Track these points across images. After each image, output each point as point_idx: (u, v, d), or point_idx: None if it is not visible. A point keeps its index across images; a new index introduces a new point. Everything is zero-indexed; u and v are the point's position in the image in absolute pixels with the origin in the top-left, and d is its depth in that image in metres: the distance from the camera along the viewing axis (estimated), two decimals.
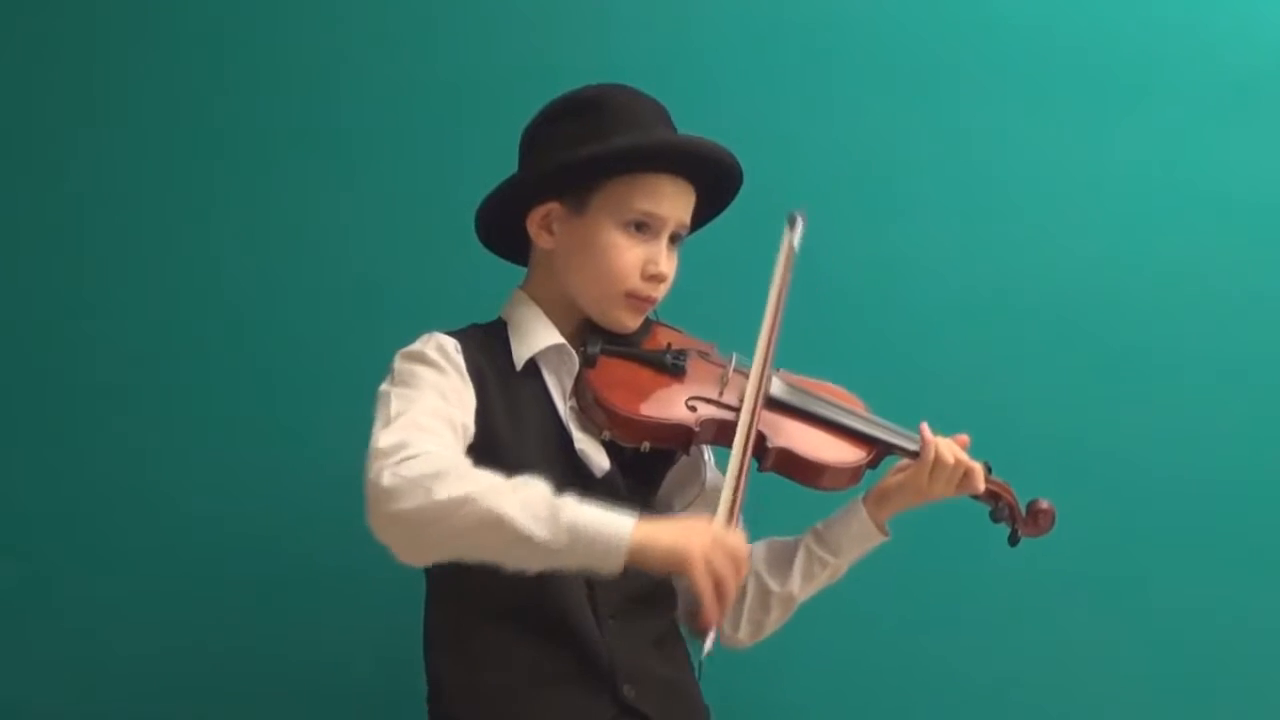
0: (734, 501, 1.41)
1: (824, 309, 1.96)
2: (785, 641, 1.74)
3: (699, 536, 1.32)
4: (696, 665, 1.63)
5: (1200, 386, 2.06)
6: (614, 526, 1.30)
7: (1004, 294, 2.06)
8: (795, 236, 1.58)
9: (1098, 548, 2.02)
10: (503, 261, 1.67)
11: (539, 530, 1.29)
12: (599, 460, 1.53)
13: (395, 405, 1.41)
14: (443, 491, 1.29)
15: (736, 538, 1.34)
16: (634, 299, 1.56)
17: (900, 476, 1.60)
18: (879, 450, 1.60)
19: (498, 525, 1.29)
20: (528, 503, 1.30)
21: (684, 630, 1.60)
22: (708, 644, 1.32)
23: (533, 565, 1.33)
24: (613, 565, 1.30)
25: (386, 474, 1.31)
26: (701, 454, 1.65)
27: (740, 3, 2.10)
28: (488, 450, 1.46)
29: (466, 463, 1.37)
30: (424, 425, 1.39)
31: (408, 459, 1.32)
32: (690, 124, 1.61)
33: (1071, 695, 2.03)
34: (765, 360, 1.52)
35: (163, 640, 1.96)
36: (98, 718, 1.95)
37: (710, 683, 1.63)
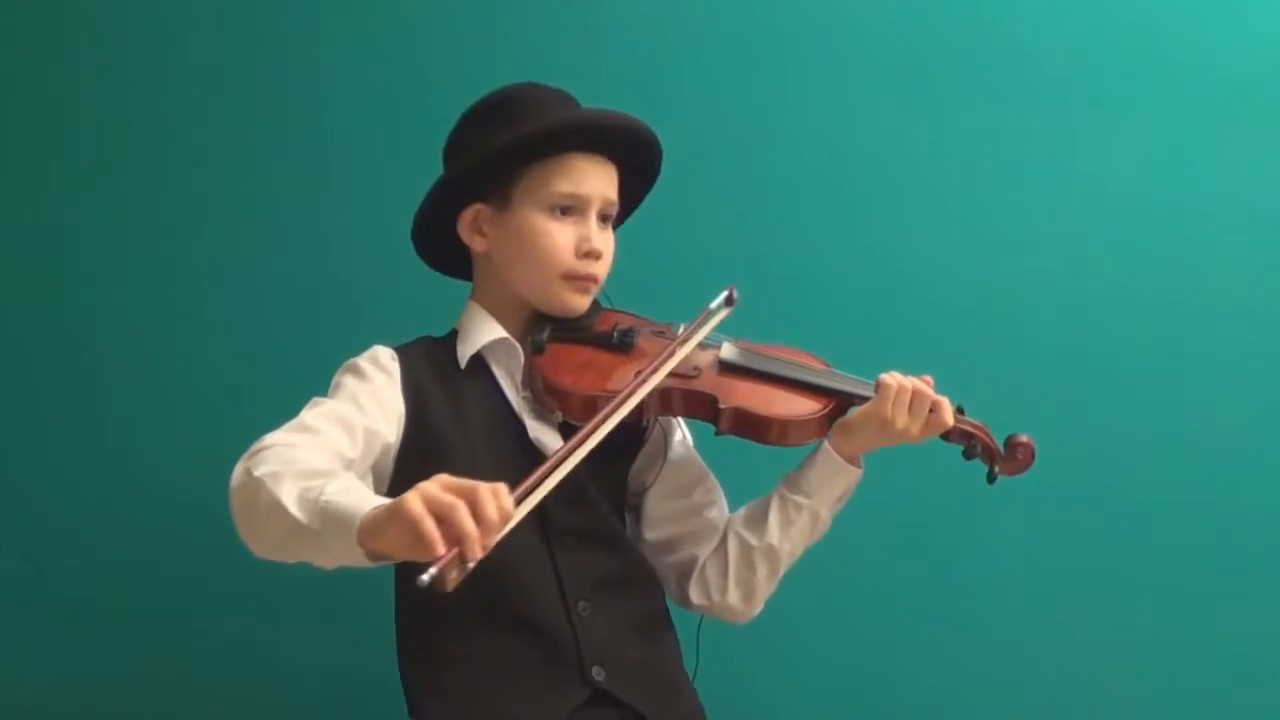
0: (535, 482, 1.24)
1: (821, 308, 1.99)
2: (779, 642, 1.76)
3: (421, 484, 1.14)
4: (692, 664, 1.63)
5: (1199, 387, 2.04)
6: (357, 505, 1.19)
7: (1001, 295, 2.07)
8: (722, 311, 1.57)
9: (1096, 548, 2.01)
10: None
11: (300, 513, 1.22)
12: (554, 445, 1.54)
13: (303, 411, 1.44)
14: (254, 477, 1.27)
15: (474, 482, 1.14)
16: (573, 279, 1.58)
17: (864, 407, 1.57)
18: (837, 401, 1.59)
19: (277, 510, 1.23)
20: (307, 488, 1.24)
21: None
22: (425, 578, 1.08)
23: (320, 558, 1.24)
24: (352, 549, 1.18)
25: (237, 470, 1.31)
26: (667, 430, 1.66)
27: (736, 2, 2.13)
28: (435, 453, 1.50)
29: (315, 456, 1.32)
30: (308, 426, 1.39)
31: (256, 453, 1.32)
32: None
33: (1069, 698, 2.01)
34: (659, 365, 1.49)
35: (160, 641, 2.01)
36: (95, 717, 2.00)
37: (703, 680, 1.64)
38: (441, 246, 1.66)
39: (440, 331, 1.65)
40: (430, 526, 1.10)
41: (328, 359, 1.98)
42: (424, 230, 1.65)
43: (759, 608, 1.66)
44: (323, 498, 1.21)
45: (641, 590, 1.61)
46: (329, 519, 1.20)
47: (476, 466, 1.49)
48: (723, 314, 1.57)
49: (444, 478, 1.15)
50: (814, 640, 1.97)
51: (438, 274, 1.96)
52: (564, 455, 1.30)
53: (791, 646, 1.95)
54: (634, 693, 1.52)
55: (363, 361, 1.55)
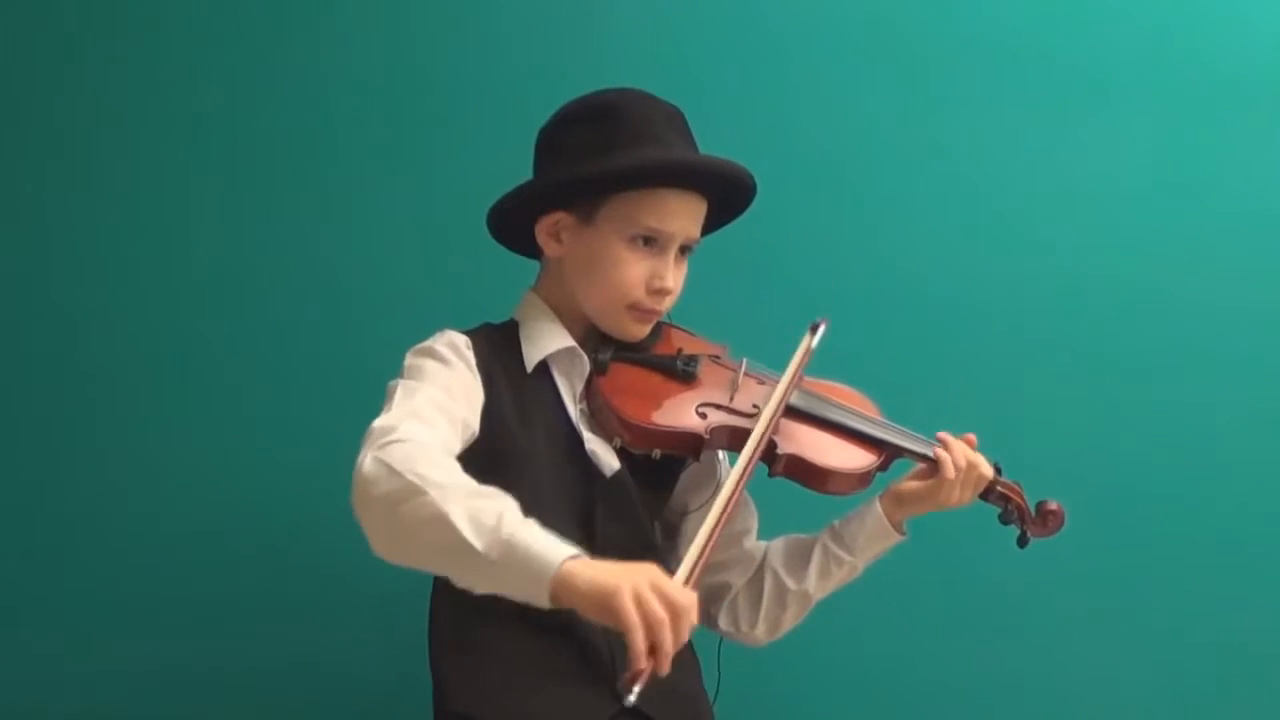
0: (698, 560, 1.30)
1: (821, 307, 1.94)
2: (796, 658, 1.77)
3: (634, 576, 1.19)
4: (714, 684, 1.65)
5: (1200, 386, 2.07)
6: (548, 552, 1.20)
7: (1001, 297, 2.07)
8: (814, 340, 1.58)
9: (1097, 552, 2.03)
10: (512, 266, 1.68)
11: (476, 538, 1.21)
12: (609, 460, 1.54)
13: (398, 395, 1.42)
14: (406, 479, 1.26)
15: (684, 592, 1.20)
16: (637, 311, 1.57)
17: (920, 486, 1.60)
18: (888, 454, 1.61)
19: (441, 524, 1.23)
20: (478, 510, 1.23)
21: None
22: (630, 696, 1.18)
23: (475, 581, 1.26)
24: (538, 592, 1.20)
25: (369, 459, 1.29)
26: (715, 454, 1.67)
27: (736, 2, 2.10)
28: (498, 447, 1.49)
29: (448, 459, 1.34)
30: (420, 414, 1.38)
31: (391, 443, 1.30)
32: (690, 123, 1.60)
33: (1071, 703, 2.05)
34: (764, 433, 1.50)
35: (165, 641, 1.98)
36: (100, 718, 1.98)
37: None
38: (512, 231, 1.63)
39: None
40: (641, 639, 1.16)
41: (327, 360, 2.00)
42: (500, 218, 1.62)
43: (778, 639, 1.70)
44: (505, 530, 1.21)
45: None
46: (512, 554, 1.21)
47: (535, 469, 1.52)
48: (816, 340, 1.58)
49: (654, 578, 1.19)
50: (829, 652, 2.00)
51: (438, 276, 2.00)
52: (712, 533, 1.33)
53: (805, 655, 1.95)
54: (663, 713, 1.52)
55: (440, 347, 1.51)
